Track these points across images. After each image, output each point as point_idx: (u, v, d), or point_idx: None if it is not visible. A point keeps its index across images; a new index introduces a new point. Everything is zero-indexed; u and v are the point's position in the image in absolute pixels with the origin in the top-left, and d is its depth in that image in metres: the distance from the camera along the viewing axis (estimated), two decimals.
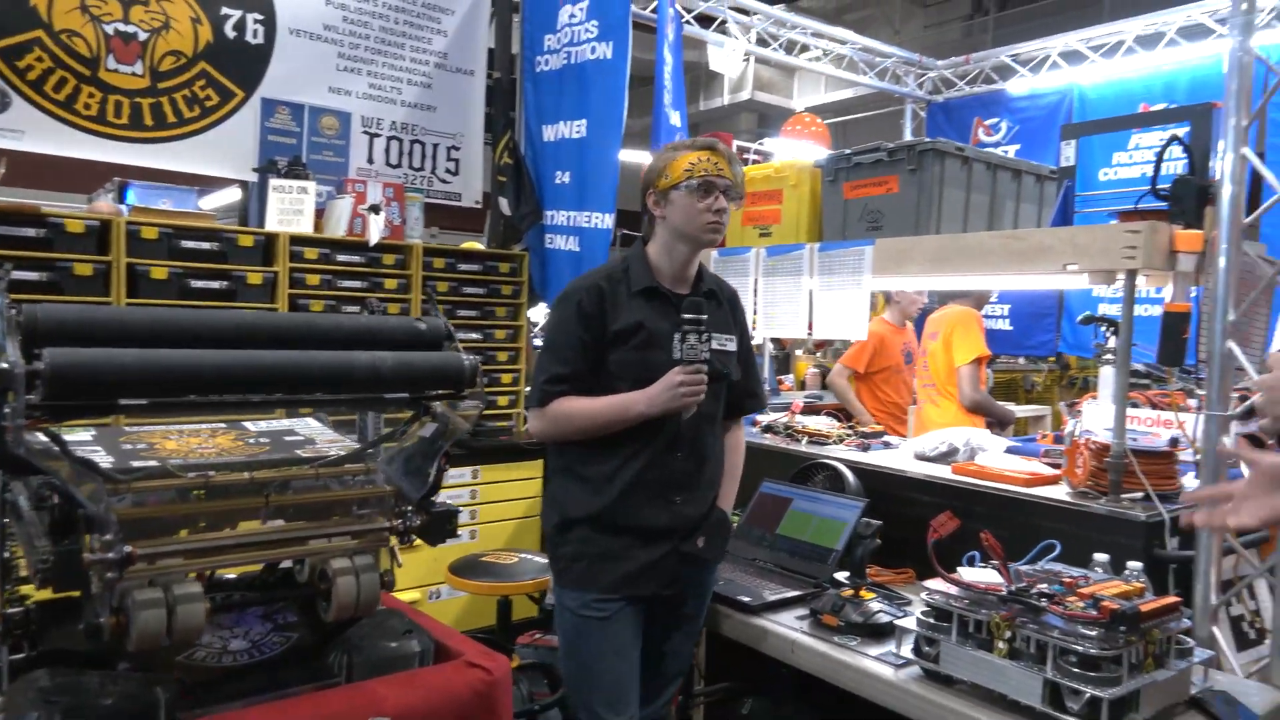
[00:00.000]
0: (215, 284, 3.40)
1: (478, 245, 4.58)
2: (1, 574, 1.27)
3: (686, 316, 1.93)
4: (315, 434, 1.68)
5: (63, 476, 1.09)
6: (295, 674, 1.34)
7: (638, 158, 5.09)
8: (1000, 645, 1.70)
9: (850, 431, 3.33)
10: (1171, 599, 1.71)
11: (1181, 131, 2.46)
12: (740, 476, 2.28)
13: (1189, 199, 2.26)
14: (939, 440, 2.99)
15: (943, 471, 2.69)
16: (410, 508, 1.36)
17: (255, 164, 3.76)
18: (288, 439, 1.63)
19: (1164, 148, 2.33)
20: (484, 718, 1.38)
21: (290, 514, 1.38)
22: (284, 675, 1.33)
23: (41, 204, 3.15)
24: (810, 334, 3.04)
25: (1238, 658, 2.25)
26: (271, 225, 3.58)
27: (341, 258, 3.72)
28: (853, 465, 2.79)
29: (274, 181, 3.63)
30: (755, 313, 3.24)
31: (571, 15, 4.15)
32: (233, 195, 4.28)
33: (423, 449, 1.40)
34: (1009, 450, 2.91)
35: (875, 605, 2.15)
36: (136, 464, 1.27)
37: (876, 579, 2.41)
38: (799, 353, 8.68)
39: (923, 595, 1.87)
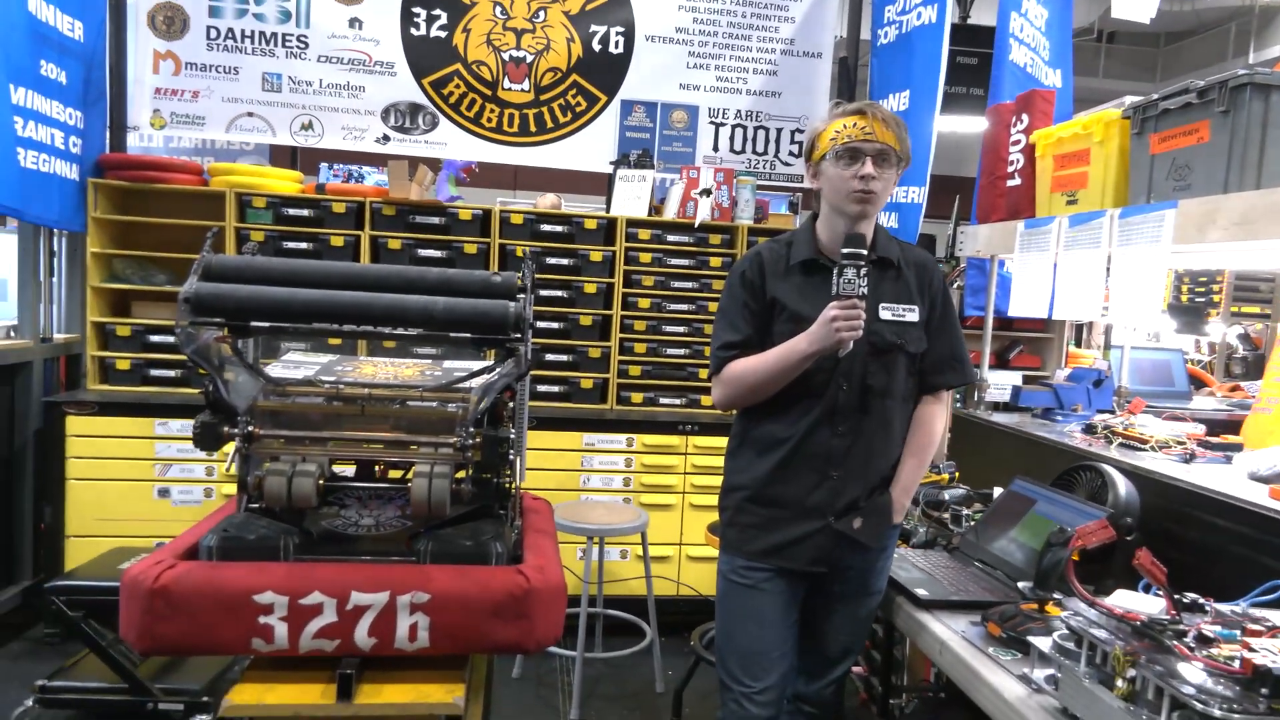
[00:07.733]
0: (565, 260, 4.03)
1: None
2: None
3: (845, 251, 1.86)
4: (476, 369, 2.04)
5: (219, 376, 1.59)
6: (388, 549, 1.71)
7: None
8: (1120, 684, 1.40)
9: (1183, 440, 2.74)
10: None
11: None
12: (929, 458, 2.11)
13: None
14: None
15: (1254, 492, 2.13)
16: (468, 430, 1.63)
17: (613, 158, 4.32)
18: (457, 373, 2.01)
19: None
20: (515, 618, 1.60)
21: (403, 427, 1.76)
22: (379, 548, 1.70)
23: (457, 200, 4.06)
24: (1103, 316, 2.57)
25: None
26: (615, 211, 4.11)
27: (671, 238, 4.10)
28: (1139, 474, 2.35)
29: (621, 172, 4.15)
30: (1054, 294, 2.84)
31: None
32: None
33: (492, 384, 1.67)
34: None
35: (1057, 624, 1.84)
36: (291, 375, 1.75)
37: None
38: None
39: (1062, 615, 1.61)
